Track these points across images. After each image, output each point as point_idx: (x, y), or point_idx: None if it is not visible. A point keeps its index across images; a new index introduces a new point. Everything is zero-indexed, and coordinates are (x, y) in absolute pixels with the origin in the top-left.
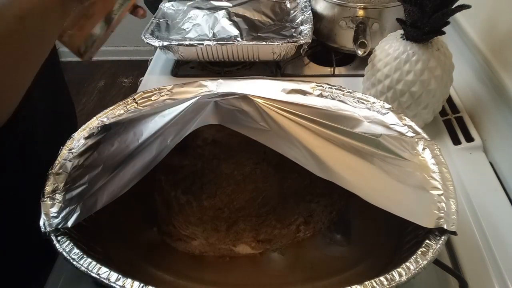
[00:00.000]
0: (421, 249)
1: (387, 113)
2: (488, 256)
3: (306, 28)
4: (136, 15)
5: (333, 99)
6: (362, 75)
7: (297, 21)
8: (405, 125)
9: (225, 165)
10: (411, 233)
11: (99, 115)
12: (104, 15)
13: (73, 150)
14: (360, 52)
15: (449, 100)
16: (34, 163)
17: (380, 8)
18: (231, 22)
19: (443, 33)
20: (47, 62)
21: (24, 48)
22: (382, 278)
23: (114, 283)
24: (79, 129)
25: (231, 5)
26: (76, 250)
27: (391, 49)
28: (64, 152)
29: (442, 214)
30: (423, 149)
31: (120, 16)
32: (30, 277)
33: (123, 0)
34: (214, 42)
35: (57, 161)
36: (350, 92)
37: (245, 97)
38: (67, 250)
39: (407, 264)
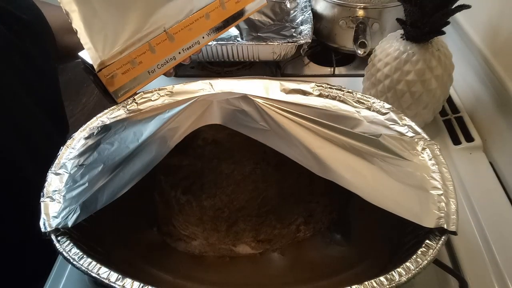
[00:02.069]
0: (421, 249)
1: (387, 113)
2: (488, 256)
3: (306, 28)
4: (166, 74)
5: (333, 99)
6: (362, 75)
7: (297, 21)
8: (405, 125)
9: (225, 165)
10: (411, 233)
11: (99, 115)
12: (149, 67)
13: (73, 150)
14: (360, 52)
15: (449, 100)
16: (29, 162)
17: (380, 8)
18: None
19: (443, 33)
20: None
21: None
22: (382, 278)
23: (114, 283)
24: (79, 129)
25: None
26: (76, 250)
27: (391, 49)
28: (64, 152)
29: (442, 214)
30: (423, 149)
31: (162, 70)
32: (30, 277)
33: (169, 59)
34: (214, 42)
35: (57, 161)
36: (350, 92)
37: (245, 97)
38: (67, 250)
39: (407, 264)
